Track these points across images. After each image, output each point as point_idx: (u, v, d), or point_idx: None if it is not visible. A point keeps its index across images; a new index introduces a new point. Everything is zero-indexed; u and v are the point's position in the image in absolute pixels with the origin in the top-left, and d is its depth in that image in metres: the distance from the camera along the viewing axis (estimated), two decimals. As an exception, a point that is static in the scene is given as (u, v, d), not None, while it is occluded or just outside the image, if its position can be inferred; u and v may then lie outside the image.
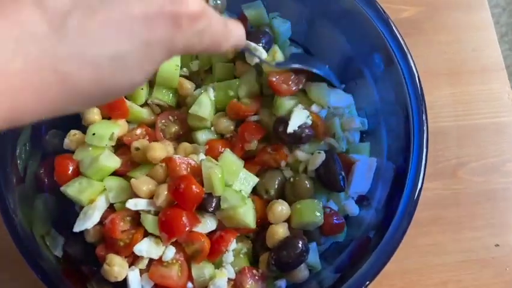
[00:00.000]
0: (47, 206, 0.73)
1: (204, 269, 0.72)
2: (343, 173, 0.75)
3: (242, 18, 0.82)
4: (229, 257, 0.73)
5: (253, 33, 0.78)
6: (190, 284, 0.72)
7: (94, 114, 0.77)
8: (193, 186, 0.68)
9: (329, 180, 0.75)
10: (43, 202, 0.73)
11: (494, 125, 0.93)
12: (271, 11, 0.83)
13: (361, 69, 0.80)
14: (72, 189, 0.73)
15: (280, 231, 0.73)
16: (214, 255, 0.72)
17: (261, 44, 0.75)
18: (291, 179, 0.77)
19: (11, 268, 0.80)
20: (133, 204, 0.70)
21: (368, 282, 0.66)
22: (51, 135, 0.77)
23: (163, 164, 0.73)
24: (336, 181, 0.75)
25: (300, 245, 0.70)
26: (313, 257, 0.76)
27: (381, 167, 0.77)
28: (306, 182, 0.76)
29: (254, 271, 0.74)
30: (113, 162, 0.75)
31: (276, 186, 0.76)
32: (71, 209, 0.74)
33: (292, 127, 0.73)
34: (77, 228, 0.71)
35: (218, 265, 0.74)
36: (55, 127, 0.78)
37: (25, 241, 0.63)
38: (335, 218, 0.75)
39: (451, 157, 0.91)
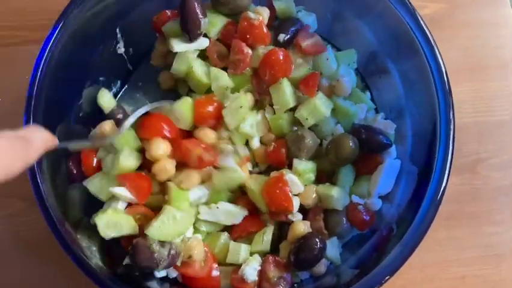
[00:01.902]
0: (78, 196, 0.75)
1: (240, 248, 0.74)
2: (384, 133, 0.77)
3: (269, 8, 0.83)
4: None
5: (283, 23, 0.80)
6: (216, 272, 0.73)
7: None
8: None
9: (373, 142, 0.76)
10: (74, 192, 0.75)
11: (514, 122, 0.94)
12: (297, 4, 0.83)
13: (386, 64, 0.80)
14: (92, 186, 0.74)
15: (302, 228, 0.75)
16: None
17: (289, 33, 0.79)
18: (332, 134, 0.78)
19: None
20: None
21: (388, 277, 0.66)
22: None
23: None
24: (380, 140, 0.76)
25: (316, 246, 0.72)
26: (334, 252, 0.77)
27: (404, 163, 0.78)
28: (350, 141, 0.75)
29: (277, 259, 0.75)
30: (133, 161, 0.74)
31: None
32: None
33: None
34: None
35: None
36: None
37: (60, 228, 0.65)
38: (364, 215, 0.76)
39: (470, 153, 0.92)
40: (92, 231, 0.69)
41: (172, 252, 0.70)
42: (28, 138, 0.52)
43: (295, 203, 0.75)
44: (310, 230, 0.75)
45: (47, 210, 0.64)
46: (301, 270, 0.77)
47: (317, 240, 0.72)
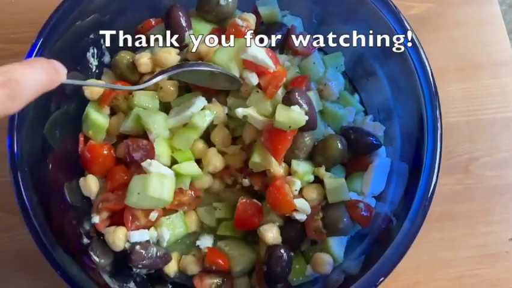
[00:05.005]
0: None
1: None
2: (372, 134, 0.77)
3: (255, 14, 0.82)
4: None
5: (269, 28, 0.81)
6: None
7: None
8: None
9: (362, 143, 0.76)
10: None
11: (506, 120, 0.93)
12: (282, 9, 0.83)
13: (373, 66, 0.80)
14: None
15: (269, 237, 0.73)
16: None
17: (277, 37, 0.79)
18: (323, 137, 0.77)
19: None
20: None
21: (382, 279, 0.66)
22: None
23: None
24: (369, 141, 0.76)
25: (282, 257, 0.71)
26: (339, 249, 0.76)
27: (394, 163, 0.78)
28: (338, 142, 0.74)
29: None
30: None
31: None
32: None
33: None
34: None
35: None
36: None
37: (47, 245, 0.65)
38: (363, 211, 0.75)
39: (462, 152, 0.91)
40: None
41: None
42: (15, 80, 0.41)
43: (300, 203, 0.74)
44: (280, 239, 0.74)
45: (33, 226, 0.64)
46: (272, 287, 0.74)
47: (282, 251, 0.71)
